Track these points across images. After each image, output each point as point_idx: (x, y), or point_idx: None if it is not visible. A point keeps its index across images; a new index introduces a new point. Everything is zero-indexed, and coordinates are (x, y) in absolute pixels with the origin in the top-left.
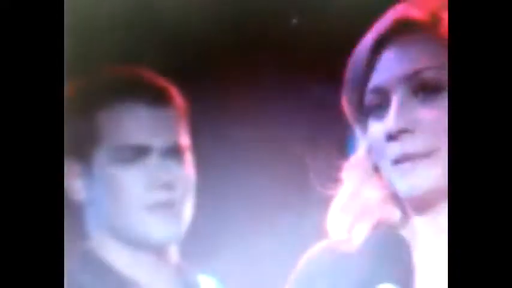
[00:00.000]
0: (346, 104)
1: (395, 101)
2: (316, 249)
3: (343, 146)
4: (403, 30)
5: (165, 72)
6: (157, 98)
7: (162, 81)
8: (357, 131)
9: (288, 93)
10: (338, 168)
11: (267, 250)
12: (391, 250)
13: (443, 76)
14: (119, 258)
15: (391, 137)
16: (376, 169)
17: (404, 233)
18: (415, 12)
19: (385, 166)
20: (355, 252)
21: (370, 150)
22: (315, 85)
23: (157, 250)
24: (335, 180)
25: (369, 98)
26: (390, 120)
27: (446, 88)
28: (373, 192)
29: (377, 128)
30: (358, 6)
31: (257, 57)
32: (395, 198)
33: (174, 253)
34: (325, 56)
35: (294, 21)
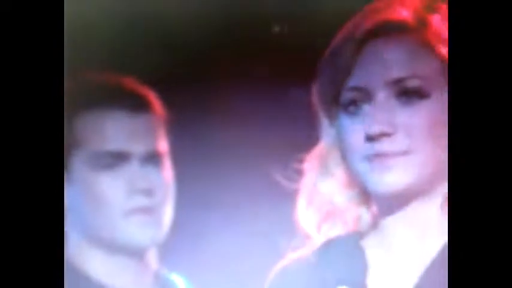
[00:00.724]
0: (317, 95)
1: (377, 103)
2: (285, 261)
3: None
4: (387, 30)
5: (146, 78)
6: (137, 105)
7: (141, 88)
8: (324, 121)
9: (269, 98)
10: (301, 160)
11: (247, 253)
12: (348, 256)
13: (427, 85)
14: (98, 266)
15: (371, 138)
16: (344, 164)
17: (374, 233)
18: (400, 13)
19: (358, 163)
20: (317, 261)
21: (337, 143)
22: (296, 91)
23: (137, 256)
24: (298, 172)
25: (348, 95)
26: (372, 123)
27: (429, 96)
28: (339, 191)
29: (352, 125)
30: (339, 14)
31: (239, 64)
32: (364, 197)
33: (153, 258)
34: (306, 63)
35: (276, 29)
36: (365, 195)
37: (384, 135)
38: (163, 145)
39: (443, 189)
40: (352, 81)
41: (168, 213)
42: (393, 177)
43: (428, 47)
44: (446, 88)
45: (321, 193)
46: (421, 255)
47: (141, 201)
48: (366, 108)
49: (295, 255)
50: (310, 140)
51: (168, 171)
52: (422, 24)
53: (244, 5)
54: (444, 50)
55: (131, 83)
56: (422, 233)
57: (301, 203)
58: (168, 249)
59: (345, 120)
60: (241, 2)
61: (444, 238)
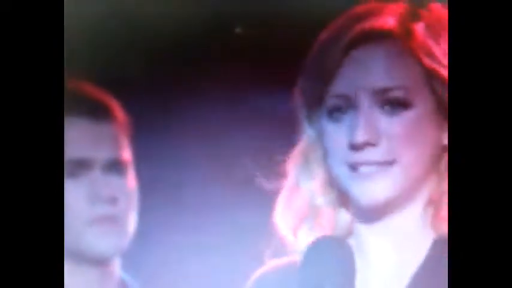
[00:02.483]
0: (299, 95)
1: (362, 112)
2: (263, 268)
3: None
4: (373, 38)
5: (108, 85)
6: (98, 112)
7: (102, 95)
8: (304, 122)
9: (231, 100)
10: (282, 162)
11: (213, 264)
12: (334, 259)
13: (411, 95)
14: None
15: (355, 147)
16: (324, 166)
17: (351, 240)
18: (386, 22)
19: (339, 169)
20: (300, 265)
21: (317, 144)
22: (257, 93)
23: (100, 264)
24: (279, 173)
25: (332, 102)
26: (356, 132)
27: (412, 106)
28: (320, 192)
29: (335, 131)
30: (301, 17)
31: (200, 66)
32: (342, 200)
33: (117, 267)
34: (268, 65)
35: (237, 30)
36: (343, 198)
37: (368, 144)
38: (126, 152)
39: (423, 197)
40: (337, 89)
41: (132, 221)
42: (375, 188)
43: (413, 57)
44: (429, 98)
45: (301, 193)
46: (400, 266)
47: (105, 209)
48: (350, 115)
49: (275, 262)
50: (275, 140)
51: (131, 179)
52: (407, 33)
53: (206, 6)
54: (428, 61)
55: (91, 89)
56: (400, 243)
57: (280, 203)
58: (133, 258)
59: (328, 126)
60: (203, 3)
61: (423, 250)
